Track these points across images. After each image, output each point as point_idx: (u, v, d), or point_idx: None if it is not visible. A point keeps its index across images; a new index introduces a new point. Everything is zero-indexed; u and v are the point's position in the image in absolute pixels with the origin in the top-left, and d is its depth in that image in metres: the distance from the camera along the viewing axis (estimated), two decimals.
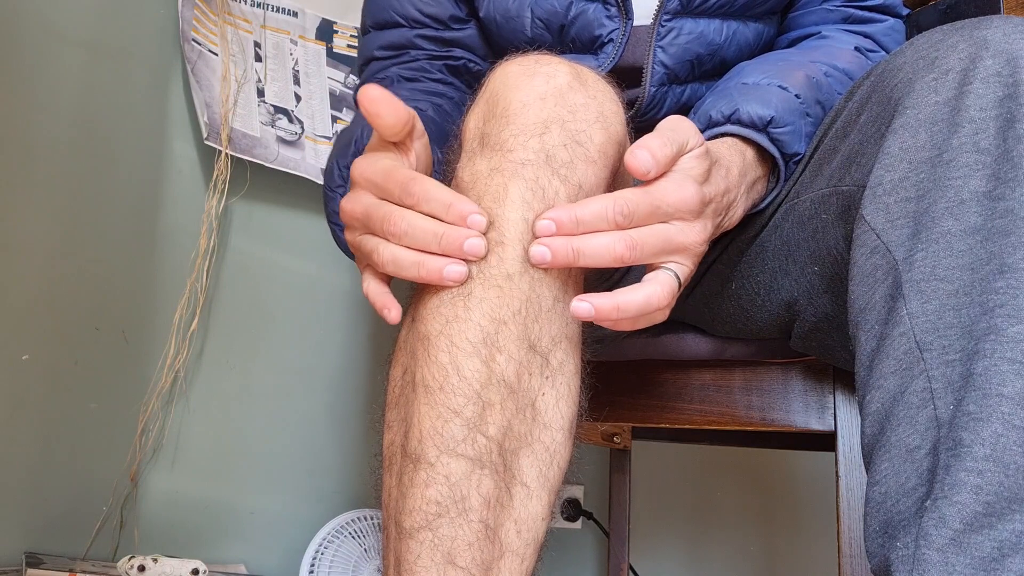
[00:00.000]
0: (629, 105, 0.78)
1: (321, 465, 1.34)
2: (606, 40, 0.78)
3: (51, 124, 1.14)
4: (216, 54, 1.26)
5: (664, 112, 0.81)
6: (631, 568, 1.29)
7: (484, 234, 0.52)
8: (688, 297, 0.81)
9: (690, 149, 0.56)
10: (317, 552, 1.18)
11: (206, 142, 1.21)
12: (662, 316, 0.55)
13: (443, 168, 0.66)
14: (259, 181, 1.29)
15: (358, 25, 0.91)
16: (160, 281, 1.22)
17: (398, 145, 0.57)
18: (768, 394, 0.83)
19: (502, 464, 0.51)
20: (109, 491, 1.16)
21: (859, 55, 0.79)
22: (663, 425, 0.89)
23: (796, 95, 0.68)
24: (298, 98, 1.33)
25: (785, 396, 0.82)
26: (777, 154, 0.67)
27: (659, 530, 1.60)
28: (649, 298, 0.53)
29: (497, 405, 0.51)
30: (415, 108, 0.58)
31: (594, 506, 1.49)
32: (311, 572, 1.17)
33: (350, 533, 1.23)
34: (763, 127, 0.66)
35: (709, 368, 0.86)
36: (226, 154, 1.23)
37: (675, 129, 0.55)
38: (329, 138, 1.34)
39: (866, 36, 0.82)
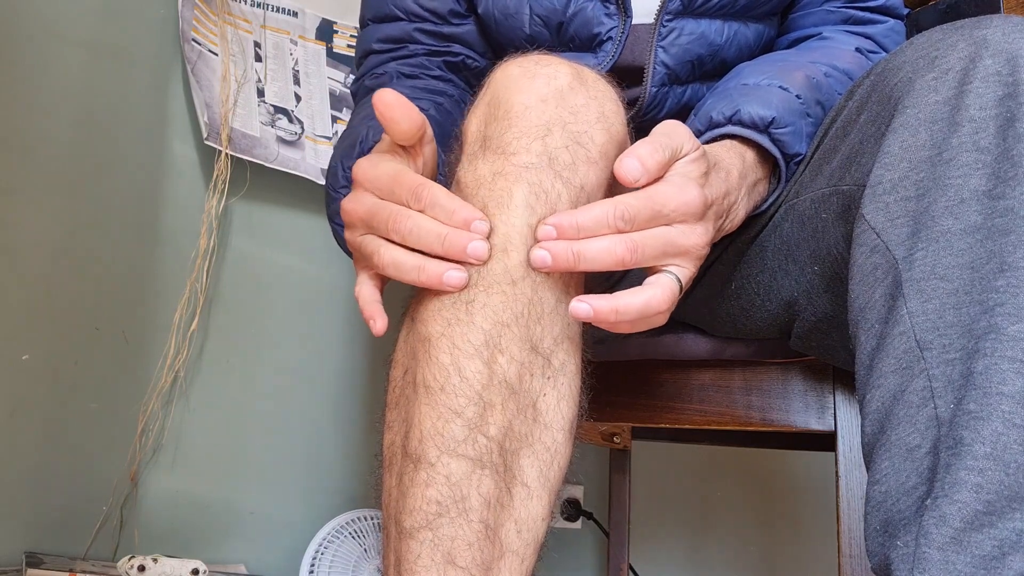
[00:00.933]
0: (630, 105, 0.78)
1: (321, 465, 1.34)
2: (605, 38, 0.78)
3: (51, 124, 1.14)
4: (216, 54, 1.26)
5: (665, 112, 0.81)
6: (631, 568, 1.29)
7: (487, 238, 0.52)
8: (688, 297, 0.81)
9: (685, 154, 0.56)
10: (317, 552, 1.18)
11: (206, 142, 1.21)
12: (662, 320, 0.55)
13: (445, 168, 0.66)
14: (259, 181, 1.29)
15: (358, 25, 0.91)
16: (160, 281, 1.22)
17: (407, 149, 0.57)
18: (768, 394, 0.83)
19: (502, 464, 0.51)
20: (109, 491, 1.16)
21: (860, 56, 0.79)
22: (663, 425, 0.89)
23: (797, 96, 0.68)
24: (298, 98, 1.33)
25: (785, 396, 0.82)
26: (778, 155, 0.67)
27: (659, 530, 1.60)
28: (649, 301, 0.53)
29: (498, 406, 0.51)
30: (417, 106, 0.58)
31: (594, 506, 1.49)
32: (311, 572, 1.17)
33: (350, 533, 1.23)
34: (764, 128, 0.66)
35: (709, 368, 0.86)
36: (226, 154, 1.23)
37: (668, 134, 0.56)
38: (329, 138, 1.34)
39: (867, 37, 0.82)
